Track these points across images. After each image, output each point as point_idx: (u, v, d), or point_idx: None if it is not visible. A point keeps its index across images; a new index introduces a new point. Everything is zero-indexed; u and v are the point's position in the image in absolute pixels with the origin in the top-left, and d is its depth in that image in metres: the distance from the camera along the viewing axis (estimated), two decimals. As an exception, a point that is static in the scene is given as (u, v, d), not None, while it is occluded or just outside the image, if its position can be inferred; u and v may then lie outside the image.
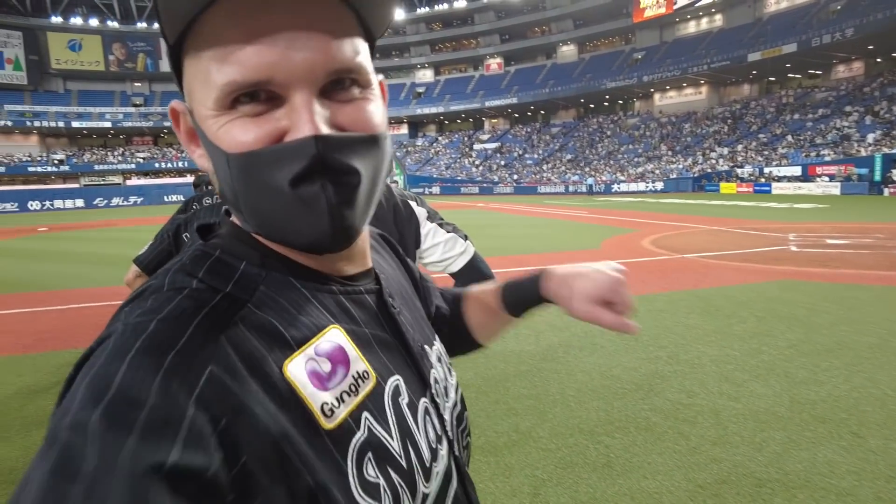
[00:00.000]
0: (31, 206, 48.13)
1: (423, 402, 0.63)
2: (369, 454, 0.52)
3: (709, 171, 40.08)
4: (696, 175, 40.09)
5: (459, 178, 55.73)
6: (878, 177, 30.27)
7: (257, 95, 0.50)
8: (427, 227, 1.63)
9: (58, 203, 49.26)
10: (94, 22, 61.13)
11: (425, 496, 0.57)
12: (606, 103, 59.79)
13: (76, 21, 60.49)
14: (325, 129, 0.50)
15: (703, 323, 5.80)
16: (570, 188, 45.65)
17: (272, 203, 0.52)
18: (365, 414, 0.54)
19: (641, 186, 41.81)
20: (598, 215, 21.28)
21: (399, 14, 64.36)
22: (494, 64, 65.13)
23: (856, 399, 3.80)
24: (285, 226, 0.53)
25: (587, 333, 5.53)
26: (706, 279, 8.01)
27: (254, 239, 0.58)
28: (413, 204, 1.65)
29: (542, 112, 63.28)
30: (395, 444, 0.55)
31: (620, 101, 59.14)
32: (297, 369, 0.50)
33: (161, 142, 64.46)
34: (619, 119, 57.31)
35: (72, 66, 61.36)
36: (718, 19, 51.52)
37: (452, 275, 1.72)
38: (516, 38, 63.05)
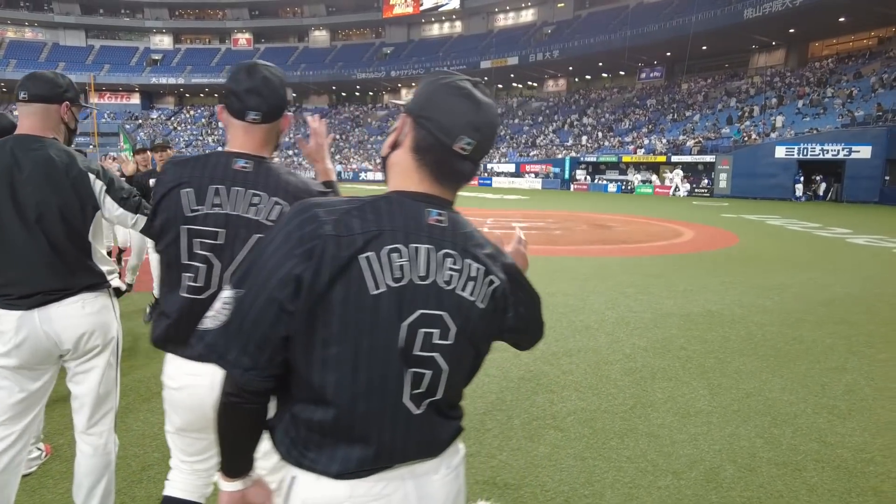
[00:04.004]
0: None
1: None
2: None
3: (444, 164, 44.00)
4: (433, 167, 43.70)
5: (202, 157, 51.96)
6: (566, 175, 36.72)
7: None
8: (105, 198, 1.98)
9: None
10: None
11: None
12: (358, 93, 61.35)
13: None
14: None
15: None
16: (320, 174, 46.01)
17: None
18: None
19: (387, 175, 44.14)
20: (336, 199, 21.98)
21: (128, -32, 57.22)
22: (243, 39, 61.91)
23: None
24: None
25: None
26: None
27: None
28: (92, 177, 1.95)
29: (295, 95, 62.25)
30: None
31: (371, 93, 61.23)
32: None
33: None
34: (369, 110, 59.35)
35: None
36: (458, 26, 56.43)
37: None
38: (267, 16, 60.87)
